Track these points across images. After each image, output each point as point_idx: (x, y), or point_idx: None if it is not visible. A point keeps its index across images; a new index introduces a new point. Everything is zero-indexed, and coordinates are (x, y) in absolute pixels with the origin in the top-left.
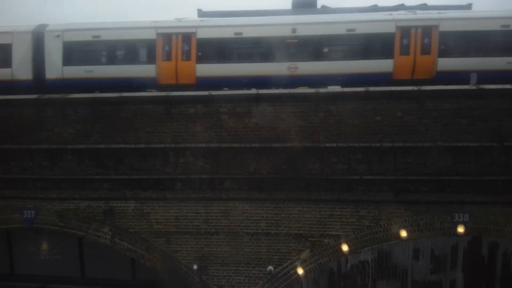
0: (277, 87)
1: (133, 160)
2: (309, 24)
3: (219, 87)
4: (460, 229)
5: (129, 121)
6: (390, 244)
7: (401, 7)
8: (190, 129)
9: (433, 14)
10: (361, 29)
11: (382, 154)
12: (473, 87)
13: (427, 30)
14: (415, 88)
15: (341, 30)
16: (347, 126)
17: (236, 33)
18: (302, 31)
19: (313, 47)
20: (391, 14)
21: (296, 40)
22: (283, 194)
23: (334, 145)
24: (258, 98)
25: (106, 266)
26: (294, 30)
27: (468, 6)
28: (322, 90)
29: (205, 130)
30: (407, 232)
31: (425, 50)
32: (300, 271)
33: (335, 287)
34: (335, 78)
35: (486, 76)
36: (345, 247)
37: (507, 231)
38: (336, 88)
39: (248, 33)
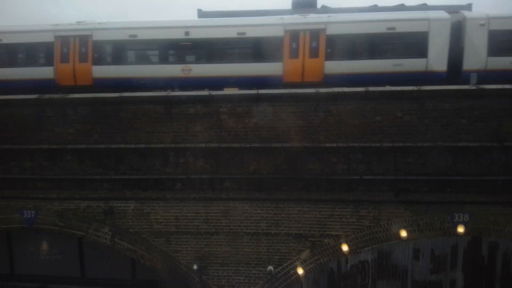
0: (172, 88)
1: (133, 160)
2: (201, 27)
3: (117, 89)
4: (460, 229)
5: (129, 121)
6: (390, 244)
7: (401, 7)
8: (190, 129)
9: (322, 18)
10: (251, 33)
11: (382, 154)
12: (473, 87)
13: (314, 34)
14: (415, 88)
15: (232, 34)
16: (347, 126)
17: (131, 36)
18: (195, 34)
19: (206, 50)
20: (281, 18)
21: (189, 43)
22: (283, 194)
23: (334, 145)
24: (258, 98)
25: (106, 266)
26: (187, 33)
27: (468, 6)
28: (322, 90)
29: (205, 130)
30: (407, 232)
31: (313, 54)
32: (300, 271)
33: (335, 287)
34: (228, 81)
35: (374, 78)
36: (345, 247)
37: (507, 231)
38: (336, 88)
39: (142, 35)
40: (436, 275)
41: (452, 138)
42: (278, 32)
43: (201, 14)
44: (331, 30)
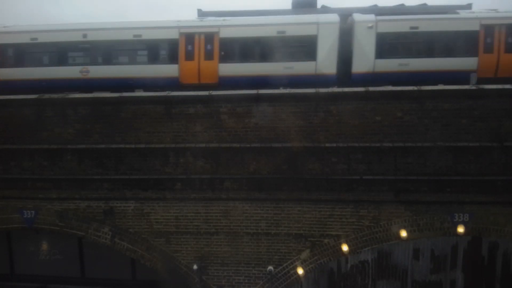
0: (70, 90)
1: (133, 160)
2: (99, 30)
3: (17, 91)
4: (460, 229)
5: (129, 121)
6: (390, 244)
7: (401, 7)
8: (190, 129)
9: (217, 21)
10: (147, 35)
11: (382, 154)
12: (473, 87)
13: (209, 37)
14: (415, 88)
15: (128, 36)
16: (347, 126)
17: (32, 39)
18: (92, 37)
19: (103, 52)
20: (178, 21)
21: (87, 45)
22: (283, 194)
23: (334, 145)
24: (258, 98)
25: (106, 266)
26: (85, 36)
27: (468, 6)
28: (322, 90)
29: (205, 130)
30: (407, 232)
31: (208, 56)
32: (300, 271)
33: (335, 287)
34: (126, 82)
35: (266, 81)
36: (345, 247)
37: (507, 231)
38: (336, 88)
39: (42, 38)
40: (436, 275)
41: (452, 138)
42: (173, 34)
43: (201, 14)
44: (224, 33)
